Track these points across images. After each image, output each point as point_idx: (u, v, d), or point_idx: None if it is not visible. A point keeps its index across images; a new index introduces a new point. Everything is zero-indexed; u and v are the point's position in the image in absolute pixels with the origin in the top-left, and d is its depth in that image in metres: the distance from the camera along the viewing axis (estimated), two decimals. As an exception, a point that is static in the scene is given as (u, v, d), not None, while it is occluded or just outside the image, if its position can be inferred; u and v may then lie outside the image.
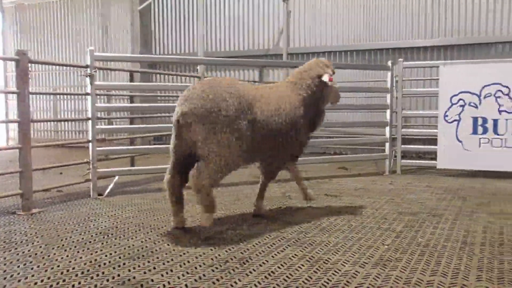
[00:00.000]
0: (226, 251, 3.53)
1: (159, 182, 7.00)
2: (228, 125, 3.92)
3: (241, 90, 4.12)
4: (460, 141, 7.29)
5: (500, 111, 7.08)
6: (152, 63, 12.71)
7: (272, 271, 3.10)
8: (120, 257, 3.40)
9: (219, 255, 3.45)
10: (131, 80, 7.51)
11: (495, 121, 7.10)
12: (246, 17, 12.65)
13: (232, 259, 3.34)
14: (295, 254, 3.45)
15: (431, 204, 5.26)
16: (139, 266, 3.21)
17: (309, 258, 3.36)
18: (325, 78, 4.68)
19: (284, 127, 4.40)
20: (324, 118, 5.01)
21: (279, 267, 3.17)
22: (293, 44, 12.15)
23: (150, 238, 3.91)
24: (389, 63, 7.90)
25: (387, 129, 7.98)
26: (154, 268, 3.17)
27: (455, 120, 7.34)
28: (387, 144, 7.99)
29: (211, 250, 3.57)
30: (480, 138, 7.19)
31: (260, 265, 3.21)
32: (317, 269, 3.14)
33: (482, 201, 5.49)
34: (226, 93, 3.98)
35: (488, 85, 7.13)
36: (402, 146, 7.97)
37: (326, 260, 3.32)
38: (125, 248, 3.62)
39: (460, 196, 5.76)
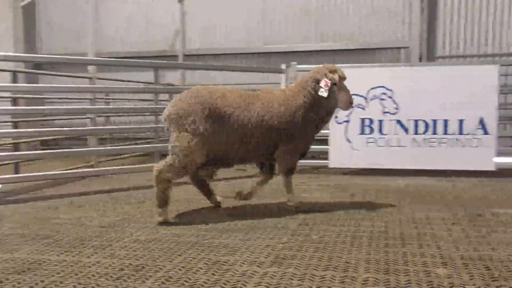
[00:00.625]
0: (121, 259, 3.41)
1: (47, 189, 6.60)
2: (194, 130, 4.39)
3: (217, 98, 4.52)
4: (350, 141, 7.71)
5: (384, 113, 7.60)
6: (38, 63, 11.92)
7: (170, 276, 3.04)
8: (2, 272, 3.13)
9: (113, 263, 3.31)
10: (14, 81, 6.97)
11: (380, 122, 7.60)
12: (141, 16, 12.34)
13: (127, 267, 3.23)
14: (193, 257, 3.42)
15: (323, 202, 5.50)
16: (24, 280, 2.99)
17: (207, 261, 3.34)
18: (321, 84, 4.78)
19: (273, 132, 4.69)
20: (329, 121, 5.31)
21: (177, 272, 3.12)
22: (189, 46, 12.09)
23: (37, 249, 3.66)
24: (283, 66, 8.13)
25: (282, 130, 8.20)
26: (42, 281, 2.97)
27: (344, 121, 7.74)
28: (282, 145, 8.20)
29: (105, 258, 3.42)
30: (367, 138, 7.66)
31: (157, 271, 3.14)
32: (215, 271, 3.13)
33: (369, 197, 5.85)
34: (199, 101, 4.45)
35: (374, 88, 7.62)
36: (296, 146, 8.23)
37: (224, 261, 3.33)
38: (8, 262, 3.35)
39: (350, 193, 6.08)
